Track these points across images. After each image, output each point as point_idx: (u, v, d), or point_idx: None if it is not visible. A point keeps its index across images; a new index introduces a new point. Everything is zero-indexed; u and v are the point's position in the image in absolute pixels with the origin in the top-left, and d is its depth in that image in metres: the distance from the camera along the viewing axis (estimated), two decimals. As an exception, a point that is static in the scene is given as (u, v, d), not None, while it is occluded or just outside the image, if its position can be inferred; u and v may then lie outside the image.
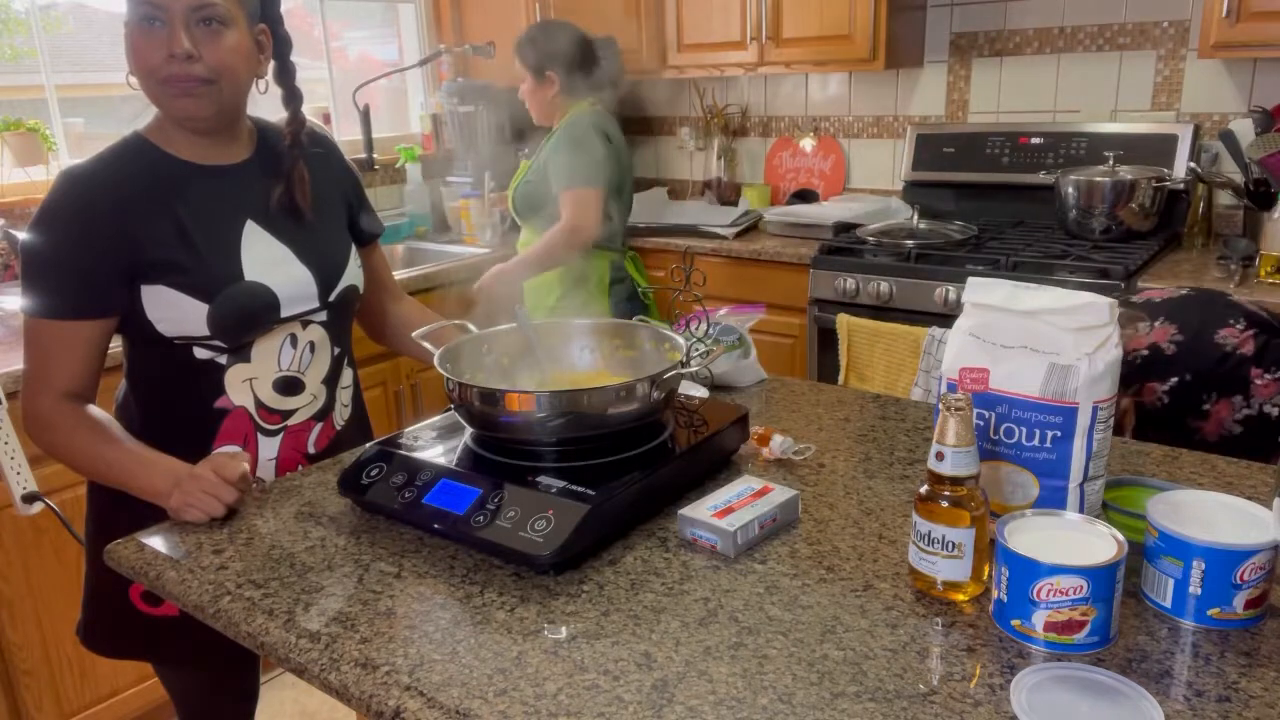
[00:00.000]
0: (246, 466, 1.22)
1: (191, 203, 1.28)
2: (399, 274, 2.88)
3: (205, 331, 1.27)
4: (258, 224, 1.32)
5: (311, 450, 1.42)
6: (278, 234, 1.34)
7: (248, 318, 1.30)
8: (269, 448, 1.37)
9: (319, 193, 1.41)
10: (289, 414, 1.38)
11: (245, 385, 1.34)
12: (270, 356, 1.34)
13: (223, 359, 1.31)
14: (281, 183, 1.36)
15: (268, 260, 1.32)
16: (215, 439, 1.34)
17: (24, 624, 2.08)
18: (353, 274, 1.43)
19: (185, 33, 1.20)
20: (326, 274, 1.38)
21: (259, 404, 1.35)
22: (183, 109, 1.25)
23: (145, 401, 1.36)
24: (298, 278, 1.34)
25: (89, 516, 1.41)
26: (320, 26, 3.31)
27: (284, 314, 1.33)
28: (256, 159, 1.36)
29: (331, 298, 1.39)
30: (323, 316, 1.39)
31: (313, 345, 1.39)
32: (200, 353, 1.30)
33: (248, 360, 1.33)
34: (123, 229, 1.23)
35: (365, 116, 3.12)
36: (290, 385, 1.37)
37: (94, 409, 1.28)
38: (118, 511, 1.29)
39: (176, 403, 1.33)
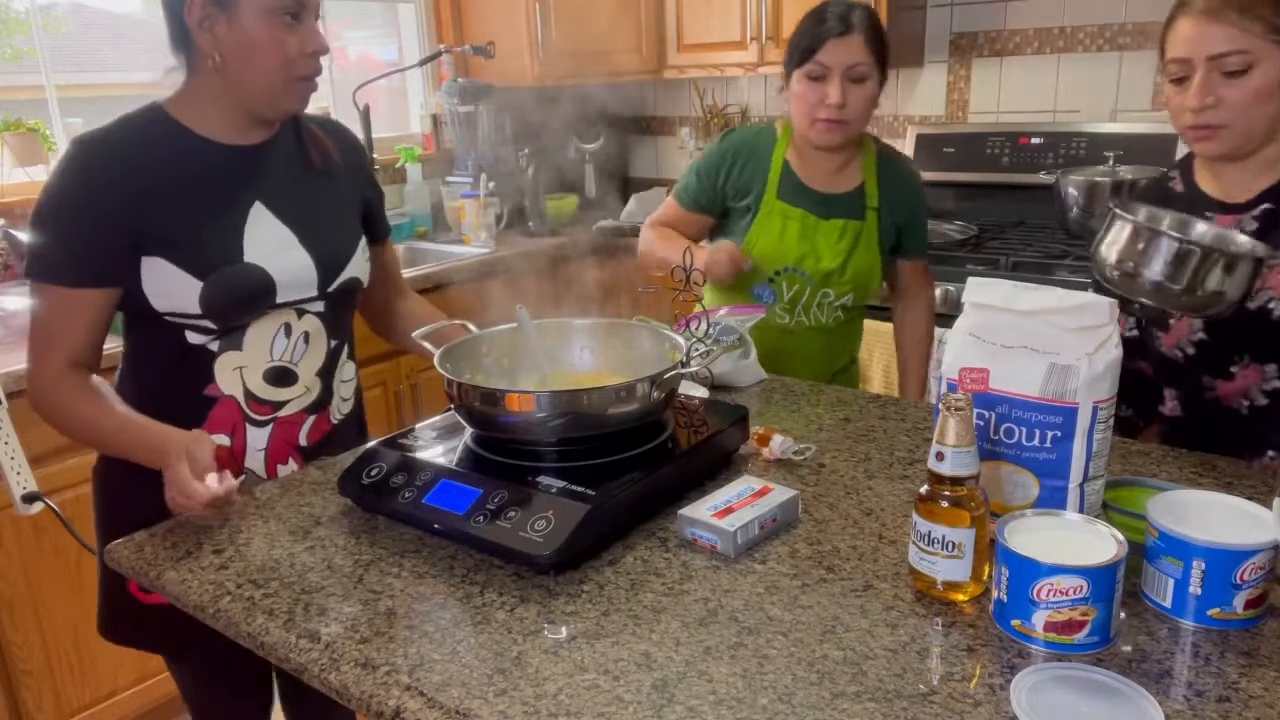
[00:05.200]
0: (218, 451, 1.18)
1: (201, 179, 1.28)
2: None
3: (197, 310, 1.26)
4: (265, 206, 1.32)
5: (304, 443, 1.41)
6: (284, 218, 1.33)
7: (241, 300, 1.29)
8: (258, 438, 1.36)
9: (332, 174, 1.41)
10: (279, 405, 1.37)
11: (235, 374, 1.32)
12: (262, 345, 1.33)
13: (214, 345, 1.30)
14: (312, 150, 1.38)
15: (270, 243, 1.30)
16: (204, 427, 1.32)
17: (24, 624, 2.08)
18: (358, 266, 1.42)
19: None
20: (329, 263, 1.37)
21: (248, 394, 1.34)
22: (303, 103, 1.30)
23: (138, 385, 1.36)
24: (299, 264, 1.33)
25: (96, 507, 1.41)
26: (320, 26, 3.31)
27: (280, 299, 1.32)
28: (274, 141, 1.36)
29: (331, 288, 1.38)
30: (319, 307, 1.38)
31: (307, 336, 1.37)
32: (193, 337, 1.29)
33: (239, 348, 1.32)
34: (131, 197, 1.22)
35: (365, 116, 3.12)
36: (282, 376, 1.36)
37: (96, 379, 1.29)
38: (125, 504, 1.29)
39: (168, 387, 1.33)
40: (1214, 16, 1.25)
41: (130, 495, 1.29)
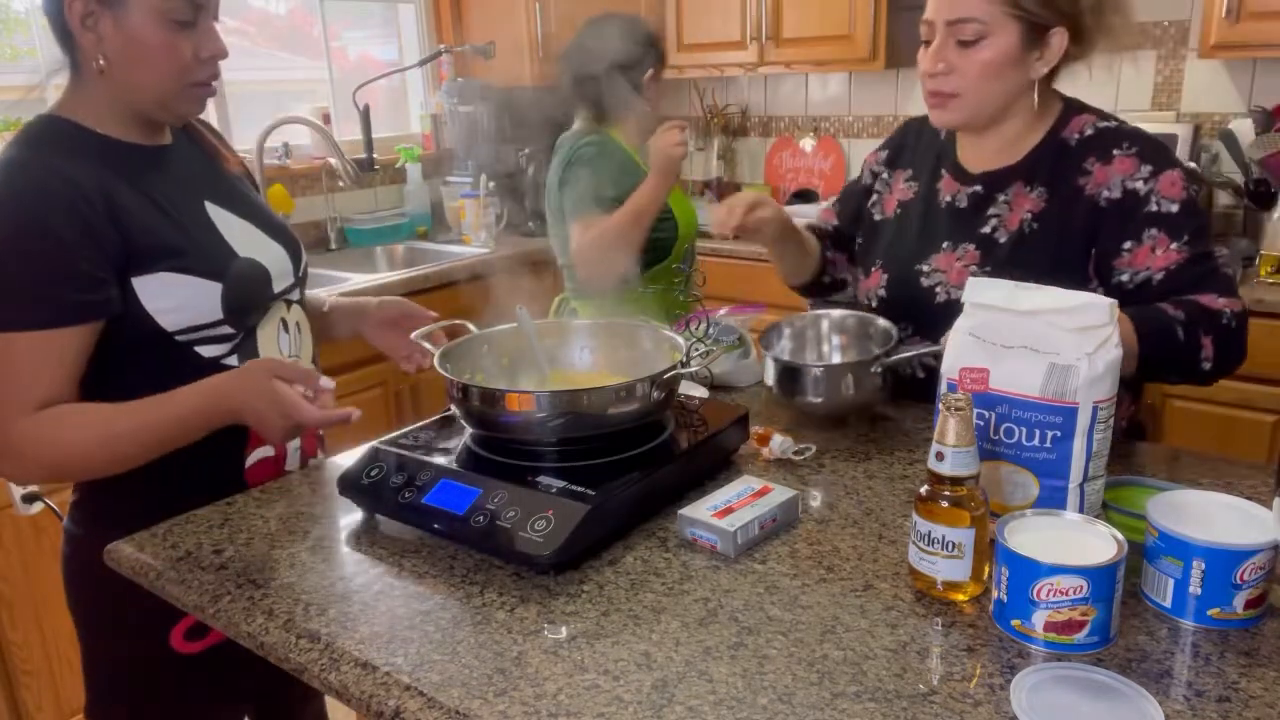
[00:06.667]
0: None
1: (149, 183, 1.19)
2: (399, 274, 2.89)
3: (218, 316, 1.20)
4: (216, 204, 1.28)
5: (320, 431, 1.40)
6: (238, 213, 1.30)
7: (255, 295, 1.26)
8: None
9: (234, 172, 1.39)
10: None
11: None
12: (272, 345, 1.31)
13: (233, 360, 1.25)
14: (208, 147, 1.34)
15: (245, 238, 1.27)
16: (248, 444, 1.29)
17: (24, 624, 2.08)
18: (304, 249, 1.41)
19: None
20: (293, 248, 1.36)
21: None
22: (199, 109, 1.23)
23: None
24: (277, 254, 1.32)
25: (70, 583, 1.28)
26: (320, 26, 3.31)
27: (275, 290, 1.30)
28: (178, 142, 1.30)
29: (300, 272, 1.37)
30: (297, 294, 1.37)
31: (299, 325, 1.37)
32: (207, 350, 1.23)
33: (257, 355, 1.29)
34: (110, 213, 1.12)
35: (365, 116, 3.12)
36: None
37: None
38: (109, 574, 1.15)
39: None
40: None
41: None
